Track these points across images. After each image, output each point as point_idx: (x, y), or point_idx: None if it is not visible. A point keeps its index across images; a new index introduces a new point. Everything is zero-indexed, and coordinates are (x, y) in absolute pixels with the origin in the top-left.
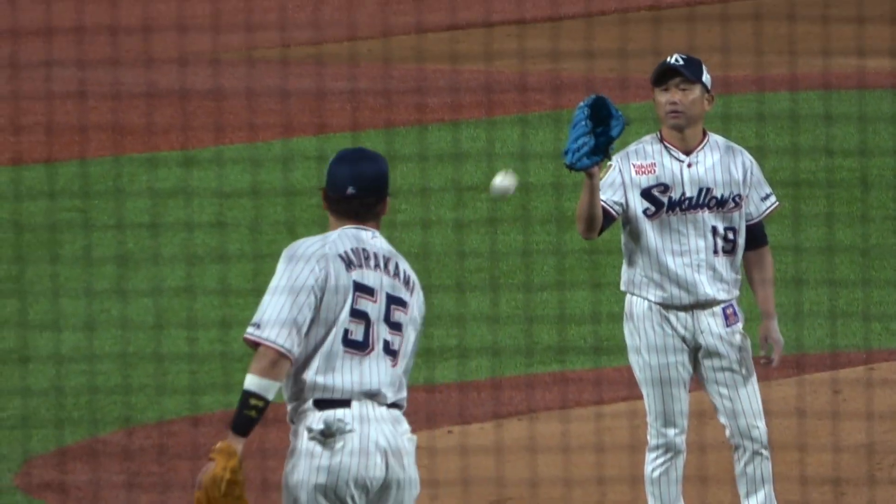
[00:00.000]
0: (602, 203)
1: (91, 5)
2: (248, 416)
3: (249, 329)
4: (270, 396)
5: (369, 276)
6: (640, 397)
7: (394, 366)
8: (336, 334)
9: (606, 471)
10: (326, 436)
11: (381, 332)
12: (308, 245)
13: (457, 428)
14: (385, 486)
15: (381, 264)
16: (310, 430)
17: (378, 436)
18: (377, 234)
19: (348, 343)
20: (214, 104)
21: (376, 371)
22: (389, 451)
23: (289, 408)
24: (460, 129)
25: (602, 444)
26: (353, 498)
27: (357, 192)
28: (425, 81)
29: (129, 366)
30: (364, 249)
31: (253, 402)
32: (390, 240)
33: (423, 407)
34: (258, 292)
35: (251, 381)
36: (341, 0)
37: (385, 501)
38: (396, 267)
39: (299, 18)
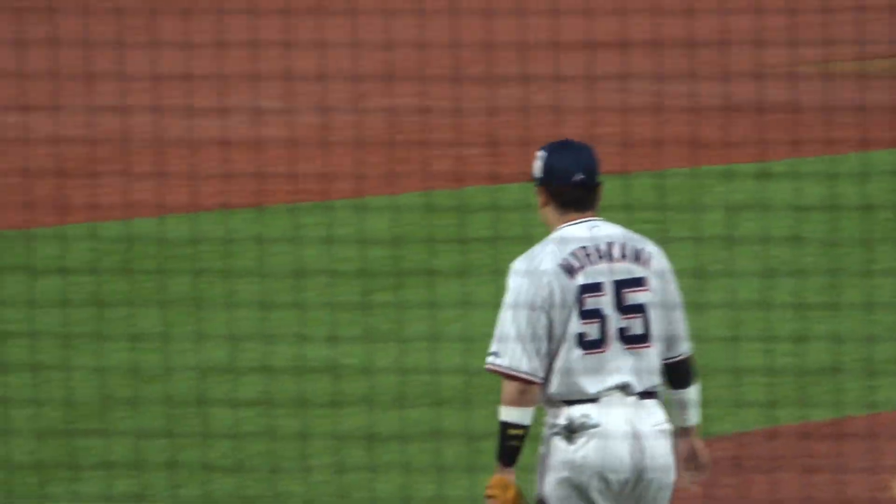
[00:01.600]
0: None
1: (669, 17)
2: (511, 446)
3: (489, 359)
4: (528, 422)
5: (593, 273)
6: None
7: (644, 349)
8: (571, 341)
9: None
10: (570, 431)
11: (615, 322)
12: (528, 264)
13: None
14: (632, 479)
15: (605, 253)
16: (554, 425)
17: (624, 430)
18: (597, 222)
19: (585, 345)
20: (790, 117)
21: (619, 363)
22: (636, 444)
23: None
24: None
25: None
26: (598, 492)
27: (585, 178)
28: None
29: (703, 377)
30: (584, 248)
31: (512, 432)
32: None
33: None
34: (833, 306)
35: (506, 413)
36: None
37: (633, 494)
38: (623, 247)
39: (876, 32)
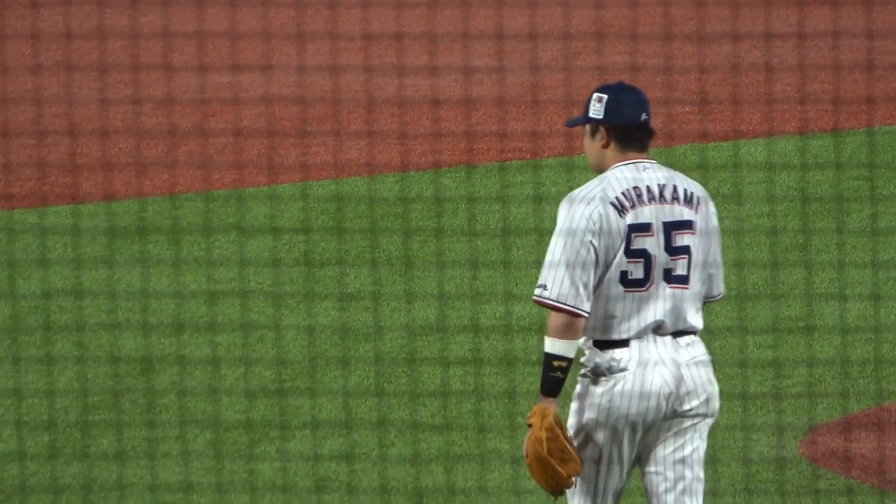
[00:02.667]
0: None
1: None
2: (555, 377)
3: (537, 291)
4: (572, 355)
5: (643, 213)
6: None
7: (685, 289)
8: (612, 277)
9: None
10: (597, 375)
11: (662, 263)
12: (579, 200)
13: None
14: (663, 416)
15: (656, 195)
16: (584, 366)
17: (655, 377)
18: (650, 164)
19: (628, 283)
20: None
21: (658, 303)
22: (669, 389)
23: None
24: None
25: None
26: (628, 431)
27: (648, 119)
28: None
29: None
30: (635, 188)
31: (556, 363)
32: None
33: None
34: None
35: (550, 344)
36: None
37: (668, 426)
38: (674, 190)
39: None
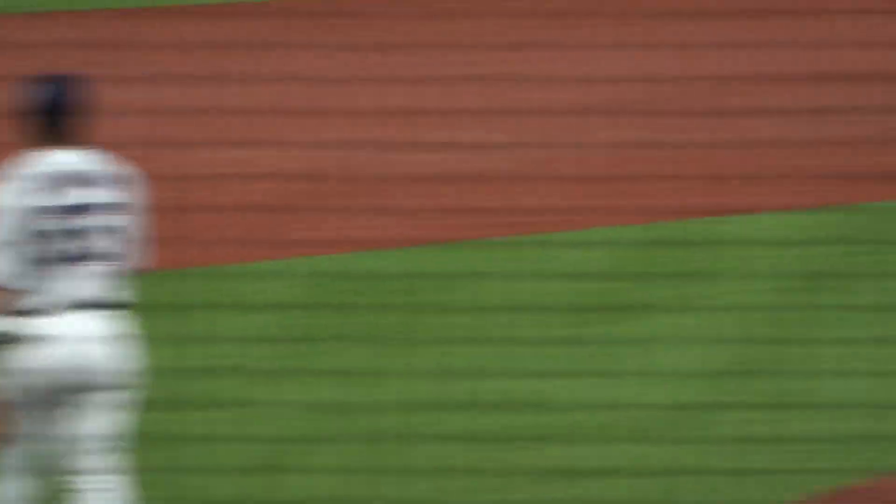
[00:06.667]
0: None
1: None
2: None
3: None
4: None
5: (51, 198)
6: None
7: (101, 266)
8: (34, 254)
9: None
10: (6, 340)
11: (85, 242)
12: (6, 179)
13: None
14: (76, 393)
15: (84, 179)
16: None
17: (66, 350)
18: (77, 150)
19: (49, 260)
20: None
21: (76, 279)
22: (74, 350)
23: None
24: None
25: None
26: (40, 406)
27: (59, 107)
28: None
29: None
30: (63, 172)
31: None
32: None
33: None
34: None
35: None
36: None
37: (76, 396)
38: (101, 174)
39: None
